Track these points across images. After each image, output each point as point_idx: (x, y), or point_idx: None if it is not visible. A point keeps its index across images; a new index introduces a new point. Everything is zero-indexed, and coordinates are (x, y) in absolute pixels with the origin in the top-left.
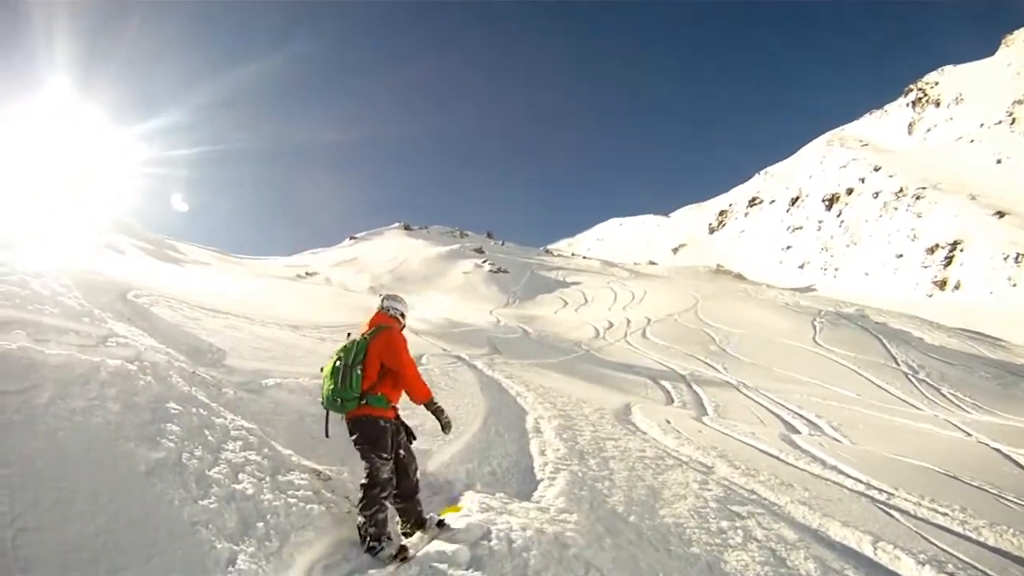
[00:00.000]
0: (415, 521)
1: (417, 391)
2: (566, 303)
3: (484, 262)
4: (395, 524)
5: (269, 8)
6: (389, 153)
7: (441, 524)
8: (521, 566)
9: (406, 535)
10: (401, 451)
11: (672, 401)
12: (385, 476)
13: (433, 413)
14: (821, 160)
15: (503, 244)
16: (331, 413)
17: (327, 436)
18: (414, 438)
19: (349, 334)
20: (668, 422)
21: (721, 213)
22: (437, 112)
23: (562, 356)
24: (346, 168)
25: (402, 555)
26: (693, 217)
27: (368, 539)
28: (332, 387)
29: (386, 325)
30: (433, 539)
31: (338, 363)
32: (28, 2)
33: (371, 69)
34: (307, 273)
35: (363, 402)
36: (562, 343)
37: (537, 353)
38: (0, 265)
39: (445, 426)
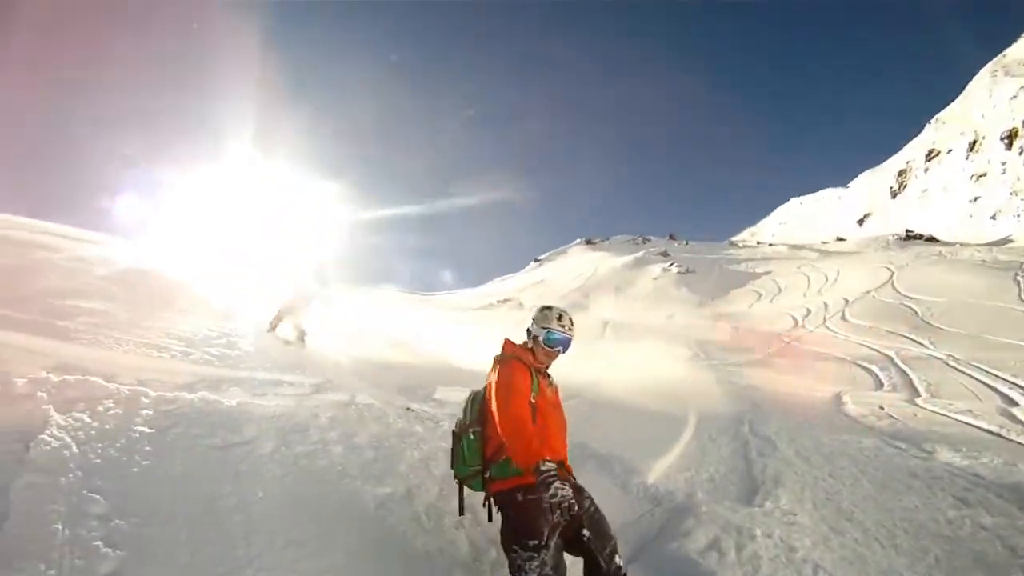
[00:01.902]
0: None
1: (512, 446)
2: (760, 295)
3: (671, 265)
4: None
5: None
6: (562, 170)
7: None
8: (751, 572)
9: None
10: (585, 531)
11: (882, 385)
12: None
13: (538, 485)
14: (989, 95)
15: (687, 243)
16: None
17: (461, 514)
18: (559, 516)
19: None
20: (881, 408)
21: (900, 174)
22: (604, 124)
23: (763, 351)
24: (523, 189)
25: None
26: (872, 183)
27: None
28: (452, 460)
29: (502, 356)
30: None
31: (457, 424)
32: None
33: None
34: (499, 301)
35: (487, 475)
36: (760, 336)
37: (737, 351)
38: (212, 331)
39: (551, 508)
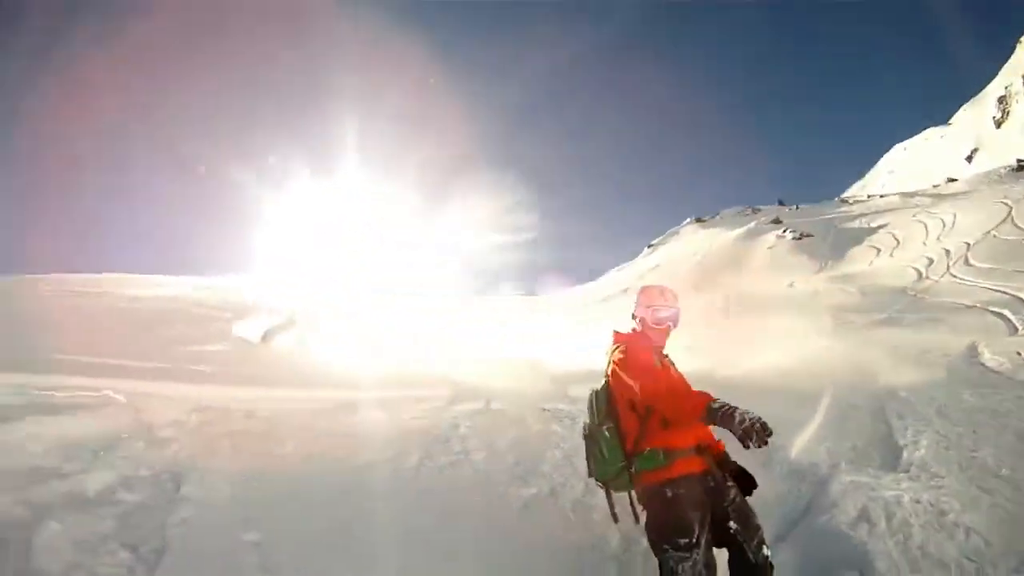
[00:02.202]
0: None
1: (670, 408)
2: (878, 250)
3: (784, 231)
4: None
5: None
6: (664, 149)
7: None
8: (902, 541)
9: None
10: (731, 524)
11: (1016, 330)
12: None
13: (721, 423)
14: None
15: (797, 208)
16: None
17: (615, 520)
18: (751, 485)
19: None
20: (1019, 355)
21: (1000, 101)
22: (707, 93)
23: (889, 308)
24: (625, 173)
25: None
26: (973, 116)
27: None
28: (589, 466)
29: (615, 347)
30: None
31: (584, 427)
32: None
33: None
34: (622, 290)
35: (632, 470)
36: (885, 294)
37: (864, 312)
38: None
39: (746, 435)
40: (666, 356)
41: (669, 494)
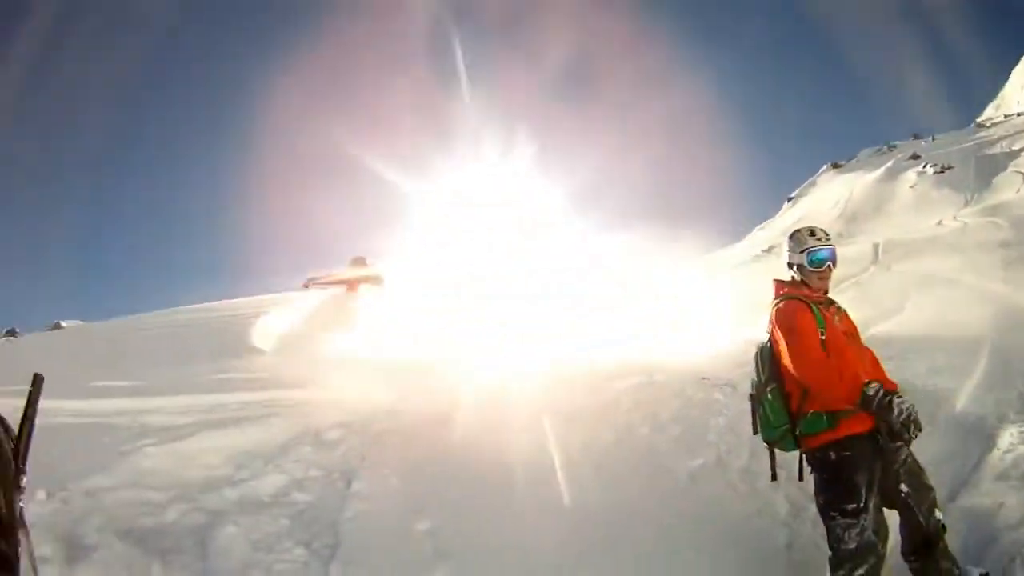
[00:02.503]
0: None
1: (821, 391)
2: None
3: (924, 167)
4: None
5: None
6: (794, 91)
7: None
8: None
9: None
10: (903, 486)
11: None
12: (851, 547)
13: (877, 413)
14: None
15: (933, 139)
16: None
17: (774, 479)
18: (913, 431)
19: None
20: None
21: None
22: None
23: None
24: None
25: None
26: None
27: None
28: (754, 425)
29: (775, 300)
30: None
31: (752, 385)
32: None
33: None
34: (764, 251)
35: (796, 432)
36: None
37: (1014, 245)
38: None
39: (904, 428)
40: (833, 304)
41: (834, 457)
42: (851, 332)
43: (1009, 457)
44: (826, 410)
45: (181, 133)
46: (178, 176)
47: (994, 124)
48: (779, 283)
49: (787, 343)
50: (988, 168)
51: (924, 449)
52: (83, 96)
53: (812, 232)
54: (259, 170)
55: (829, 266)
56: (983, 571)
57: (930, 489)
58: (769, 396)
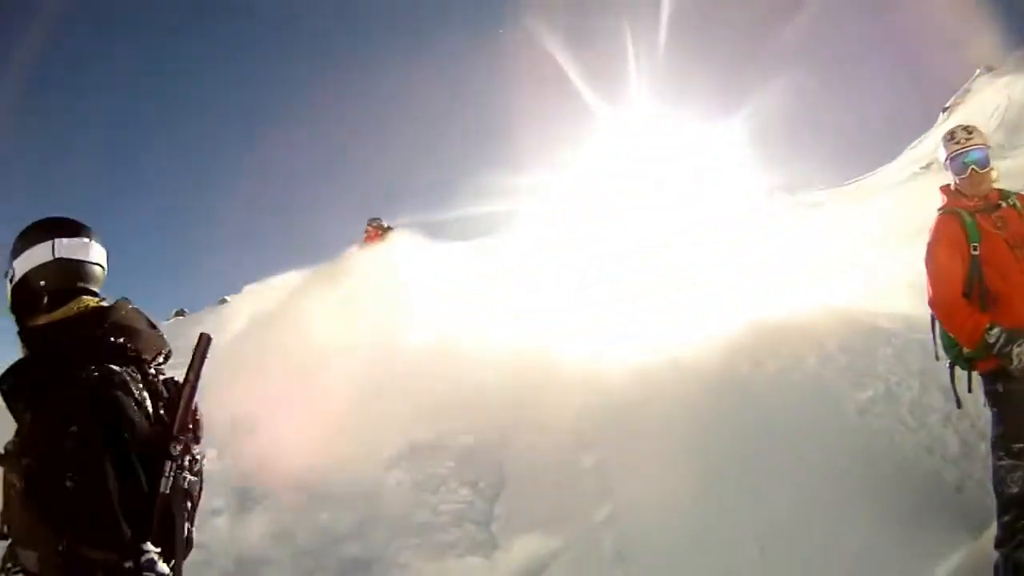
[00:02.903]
0: None
1: (949, 328)
2: None
3: None
4: None
5: None
6: None
7: None
8: None
9: None
10: None
11: None
12: (1013, 491)
13: (999, 357)
14: None
15: None
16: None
17: (959, 407)
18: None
19: None
20: None
21: None
22: None
23: None
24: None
25: None
26: None
27: None
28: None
29: (938, 211)
30: None
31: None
32: None
33: None
34: (922, 168)
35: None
36: None
37: None
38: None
39: (1018, 376)
40: (994, 207)
41: (1001, 389)
42: (1018, 237)
43: None
44: (995, 322)
45: None
46: None
47: None
48: (944, 190)
49: (927, 273)
50: None
51: None
52: None
53: (952, 135)
54: None
55: (974, 168)
56: None
57: None
58: None
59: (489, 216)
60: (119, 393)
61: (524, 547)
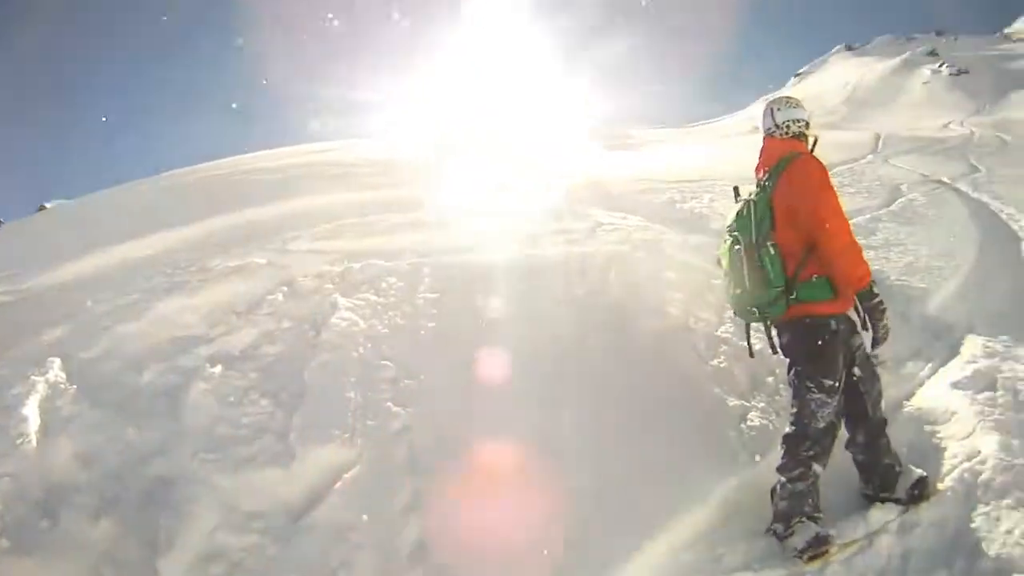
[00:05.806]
0: (881, 480)
1: (844, 263)
2: None
3: (941, 66)
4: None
5: None
6: None
7: (921, 484)
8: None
9: (868, 498)
10: (856, 370)
11: None
12: (820, 426)
13: (867, 312)
14: None
15: (956, 40)
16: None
17: (751, 356)
18: (878, 335)
19: (736, 190)
20: None
21: None
22: None
23: None
24: None
25: (816, 551)
26: None
27: (774, 518)
28: (737, 292)
29: (792, 154)
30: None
31: (736, 246)
32: None
33: None
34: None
35: (792, 296)
36: None
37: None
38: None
39: (879, 337)
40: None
41: (833, 327)
42: None
43: (970, 368)
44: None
45: None
46: None
47: (1020, 39)
48: (779, 140)
49: (827, 200)
50: (1007, 82)
51: (890, 344)
52: None
53: (787, 100)
54: None
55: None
56: (923, 473)
57: (879, 379)
58: (771, 251)
59: None
60: None
61: (319, 458)
